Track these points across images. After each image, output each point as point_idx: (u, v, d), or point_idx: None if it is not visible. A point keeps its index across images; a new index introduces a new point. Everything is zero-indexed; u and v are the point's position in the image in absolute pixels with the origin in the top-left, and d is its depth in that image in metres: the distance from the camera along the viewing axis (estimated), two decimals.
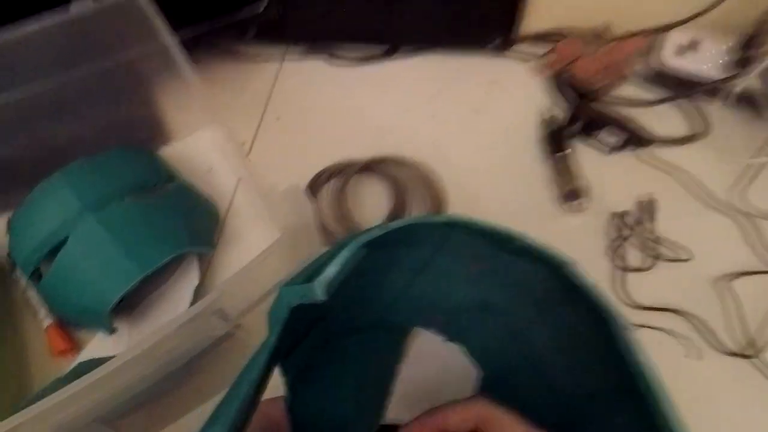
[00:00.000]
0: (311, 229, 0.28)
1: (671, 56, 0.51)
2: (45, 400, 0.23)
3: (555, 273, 0.27)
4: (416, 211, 0.45)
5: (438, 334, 0.37)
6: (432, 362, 0.36)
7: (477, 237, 0.28)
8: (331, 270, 0.20)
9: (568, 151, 0.48)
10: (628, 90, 0.52)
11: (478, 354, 0.36)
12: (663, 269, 0.41)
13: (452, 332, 0.36)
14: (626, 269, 0.41)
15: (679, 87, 0.51)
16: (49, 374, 0.36)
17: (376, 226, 0.23)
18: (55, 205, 0.35)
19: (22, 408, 0.23)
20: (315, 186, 0.46)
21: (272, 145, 0.50)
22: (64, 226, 0.34)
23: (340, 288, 0.20)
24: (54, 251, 0.34)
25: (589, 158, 0.48)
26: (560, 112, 0.51)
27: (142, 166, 0.40)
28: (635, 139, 0.48)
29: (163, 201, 0.38)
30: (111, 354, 0.35)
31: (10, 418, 0.23)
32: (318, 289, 0.20)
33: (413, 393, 0.34)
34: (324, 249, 0.38)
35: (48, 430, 0.26)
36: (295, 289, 0.20)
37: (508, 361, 0.33)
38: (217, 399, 0.34)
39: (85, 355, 0.35)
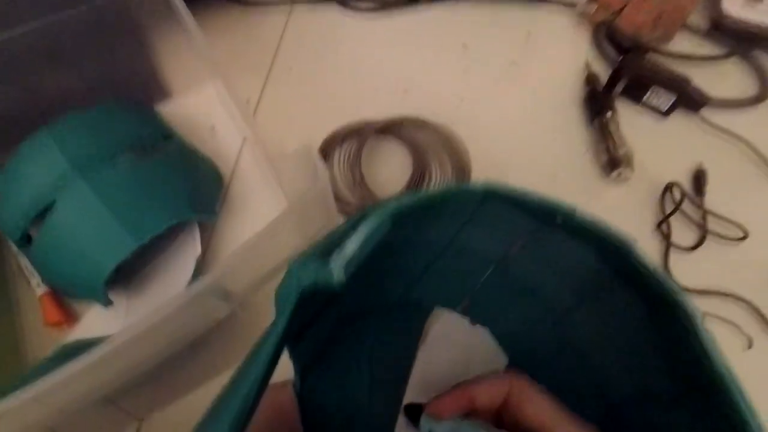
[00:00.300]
0: (326, 196, 0.25)
1: (734, 5, 0.45)
2: (36, 384, 0.21)
3: (608, 253, 0.24)
4: (438, 179, 0.41)
5: (462, 315, 0.34)
6: (454, 346, 0.33)
7: (515, 209, 0.24)
8: (351, 246, 0.17)
9: (609, 114, 0.42)
10: (682, 44, 0.46)
11: (506, 338, 0.33)
12: (713, 248, 0.37)
13: (479, 314, 0.33)
14: (672, 247, 0.37)
15: (742, 41, 0.45)
16: (45, 345, 0.34)
17: (405, 195, 0.19)
18: (40, 165, 0.32)
19: (9, 391, 0.21)
20: (327, 149, 0.42)
21: (280, 102, 0.45)
22: (51, 189, 0.31)
23: (358, 265, 0.17)
24: (43, 216, 0.31)
25: (634, 122, 0.43)
26: (604, 68, 0.45)
27: (137, 122, 0.36)
28: (687, 100, 0.43)
29: (160, 162, 0.35)
30: (108, 329, 0.33)
31: None
32: (335, 270, 0.16)
33: (432, 379, 0.31)
34: (339, 220, 0.34)
35: (47, 412, 0.24)
36: (307, 267, 0.17)
37: (543, 347, 0.30)
38: (221, 378, 0.32)
39: (79, 330, 0.33)
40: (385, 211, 0.18)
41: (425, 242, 0.29)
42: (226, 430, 0.14)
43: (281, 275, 0.18)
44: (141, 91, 0.43)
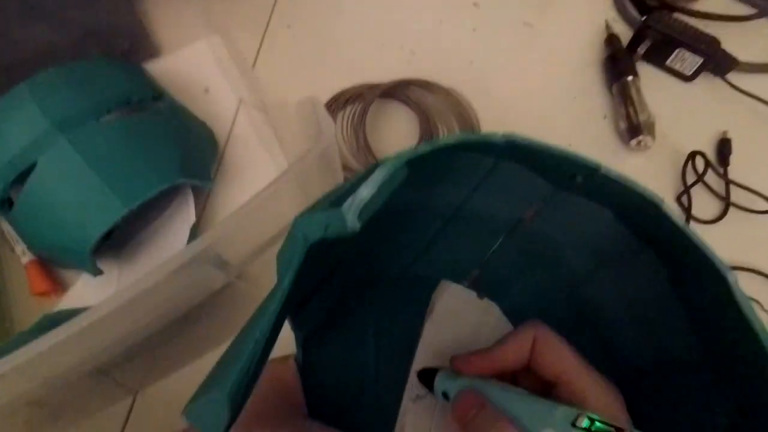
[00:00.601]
0: (331, 155, 0.23)
1: None
2: (12, 355, 0.20)
3: (631, 214, 0.22)
4: None
5: (470, 288, 0.32)
6: (461, 320, 0.31)
7: (531, 170, 0.23)
8: (367, 191, 0.15)
9: (630, 78, 0.40)
10: (710, 3, 0.43)
11: (516, 312, 0.31)
12: (736, 221, 0.36)
13: (487, 286, 0.32)
14: (692, 220, 0.36)
15: None
16: (32, 315, 0.32)
17: (423, 144, 0.17)
18: (19, 122, 0.29)
19: None
20: (328, 113, 0.40)
21: (278, 63, 0.42)
22: (31, 149, 0.28)
23: (364, 229, 0.15)
24: (24, 178, 0.29)
25: (656, 87, 0.40)
26: (625, 29, 0.43)
27: (124, 80, 0.33)
28: (714, 64, 0.40)
29: (150, 121, 0.32)
30: (98, 299, 0.31)
31: None
32: (349, 216, 0.14)
33: (439, 355, 0.30)
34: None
35: (31, 384, 0.23)
36: (315, 217, 0.15)
37: (556, 321, 0.28)
38: (219, 350, 0.31)
39: (68, 300, 0.31)
40: (401, 158, 0.16)
41: (434, 207, 0.27)
42: (226, 398, 0.13)
43: (280, 243, 0.17)
44: (128, 48, 0.40)
